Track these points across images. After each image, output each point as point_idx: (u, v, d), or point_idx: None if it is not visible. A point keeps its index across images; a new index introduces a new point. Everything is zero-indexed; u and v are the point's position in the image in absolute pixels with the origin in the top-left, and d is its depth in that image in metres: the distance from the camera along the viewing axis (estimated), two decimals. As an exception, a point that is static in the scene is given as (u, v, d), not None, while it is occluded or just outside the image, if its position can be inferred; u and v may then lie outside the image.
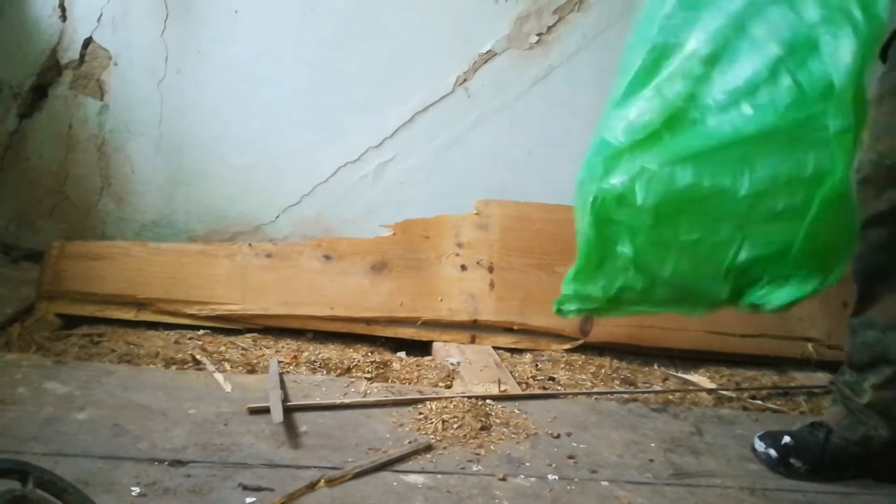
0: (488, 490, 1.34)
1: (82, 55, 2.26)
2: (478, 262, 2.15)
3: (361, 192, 2.37)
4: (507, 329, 2.10)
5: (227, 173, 2.33)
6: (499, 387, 1.76)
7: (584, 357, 2.07)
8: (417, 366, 1.89)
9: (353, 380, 1.77)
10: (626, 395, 1.84)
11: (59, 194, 2.32)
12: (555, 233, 2.18)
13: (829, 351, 2.15)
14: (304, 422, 1.51)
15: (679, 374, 2.04)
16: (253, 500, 1.23)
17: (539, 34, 2.33)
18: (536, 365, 1.99)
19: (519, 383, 1.84)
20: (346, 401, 1.62)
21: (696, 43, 1.00)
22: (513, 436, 1.56)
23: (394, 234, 2.15)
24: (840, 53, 0.94)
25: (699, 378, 2.03)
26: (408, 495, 1.30)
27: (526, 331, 2.10)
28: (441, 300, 2.08)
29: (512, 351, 2.08)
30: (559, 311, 1.17)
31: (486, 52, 2.33)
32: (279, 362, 1.80)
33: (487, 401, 1.69)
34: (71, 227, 2.31)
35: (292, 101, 2.32)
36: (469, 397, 1.67)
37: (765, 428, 1.65)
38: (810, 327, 2.18)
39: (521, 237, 2.18)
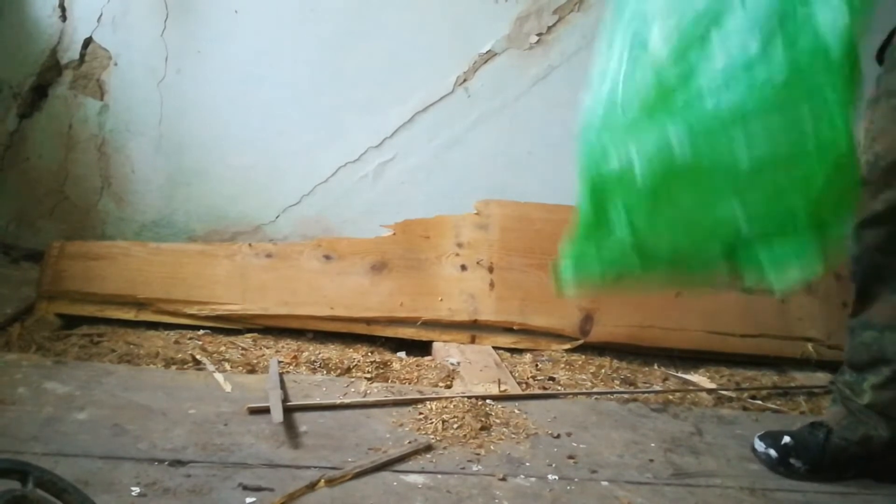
0: (488, 490, 1.34)
1: (82, 55, 2.26)
2: (478, 262, 2.15)
3: (361, 192, 2.37)
4: (507, 329, 2.10)
5: (227, 173, 2.33)
6: (499, 387, 1.76)
7: (584, 357, 2.07)
8: (417, 366, 1.89)
9: (353, 380, 1.77)
10: (626, 395, 1.84)
11: (59, 194, 2.32)
12: (555, 233, 2.14)
13: (829, 351, 2.15)
14: (304, 422, 1.51)
15: (679, 374, 2.04)
16: (253, 500, 1.23)
17: (539, 34, 2.33)
18: (536, 365, 1.99)
19: (519, 383, 1.84)
20: (346, 401, 1.62)
21: (687, 19, 0.99)
22: (513, 436, 1.56)
23: (394, 234, 2.15)
24: (835, 24, 0.93)
25: (699, 378, 2.03)
26: (408, 495, 1.30)
27: (526, 331, 2.10)
28: (441, 300, 2.08)
29: (512, 351, 2.08)
30: (559, 289, 1.16)
31: (486, 52, 2.33)
32: (279, 362, 1.80)
33: (487, 401, 1.69)
34: (71, 227, 2.31)
35: (292, 101, 2.32)
36: (469, 397, 1.67)
37: (765, 428, 1.65)
38: (810, 327, 2.18)
39: (521, 237, 2.18)
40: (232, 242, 2.24)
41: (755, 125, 0.95)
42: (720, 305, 2.17)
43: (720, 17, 0.97)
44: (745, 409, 1.87)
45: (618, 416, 1.73)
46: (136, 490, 1.22)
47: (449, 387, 1.79)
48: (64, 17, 2.24)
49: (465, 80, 2.34)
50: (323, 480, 1.30)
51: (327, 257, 2.09)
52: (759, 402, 1.91)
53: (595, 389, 1.87)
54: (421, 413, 1.60)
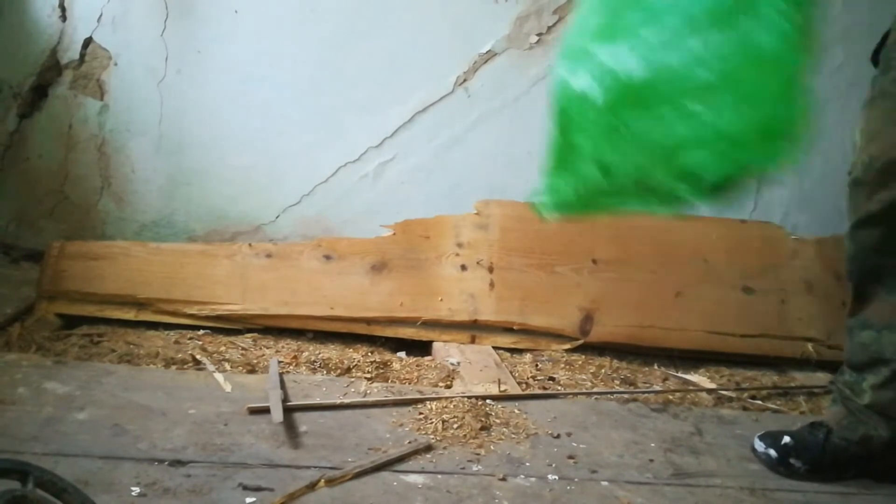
0: (488, 490, 1.34)
1: (82, 55, 2.26)
2: (478, 262, 2.15)
3: (361, 192, 2.37)
4: (507, 329, 2.10)
5: (227, 173, 2.33)
6: (499, 387, 1.76)
7: (584, 357, 2.07)
8: (417, 366, 1.89)
9: (353, 380, 1.77)
10: (626, 395, 1.84)
11: (59, 194, 2.32)
12: (555, 233, 2.18)
13: (829, 351, 2.15)
14: (304, 422, 1.51)
15: (679, 374, 2.04)
16: (253, 500, 1.23)
17: (539, 34, 2.33)
18: (536, 365, 1.99)
19: (519, 383, 1.84)
20: (346, 401, 1.62)
21: None
22: (513, 436, 1.56)
23: (394, 234, 2.15)
24: None
25: (699, 378, 2.03)
26: (408, 495, 1.30)
27: (526, 331, 2.10)
28: (441, 300, 2.08)
29: (512, 351, 2.08)
30: (538, 212, 1.18)
31: (486, 52, 2.33)
32: (279, 362, 1.80)
33: (487, 401, 1.69)
34: (71, 227, 2.31)
35: (292, 101, 2.32)
36: (469, 397, 1.67)
37: (765, 428, 1.65)
38: (810, 327, 2.18)
39: (521, 237, 2.18)
40: (232, 242, 2.24)
41: (702, 40, 0.97)
42: (720, 305, 2.17)
43: None
44: (745, 409, 1.87)
45: (618, 416, 1.73)
46: (136, 490, 1.22)
47: (449, 387, 1.79)
48: (64, 17, 2.24)
49: (465, 80, 2.34)
50: (323, 480, 1.30)
51: (327, 257, 2.09)
52: (759, 402, 1.91)
53: (595, 389, 1.87)
54: (421, 413, 1.60)
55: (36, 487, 0.90)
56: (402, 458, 1.41)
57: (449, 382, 1.82)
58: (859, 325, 1.51)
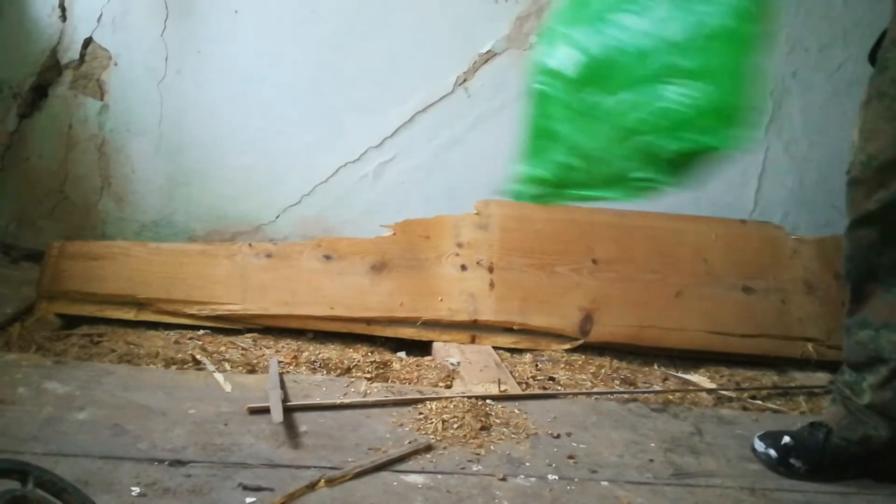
0: (488, 490, 1.34)
1: (82, 55, 2.26)
2: (478, 262, 2.15)
3: (361, 192, 2.37)
4: (507, 329, 2.10)
5: (227, 173, 2.33)
6: (499, 387, 1.76)
7: (584, 357, 2.07)
8: (417, 366, 1.89)
9: (353, 380, 1.77)
10: (626, 395, 1.84)
11: (59, 194, 2.32)
12: (555, 233, 2.18)
13: (829, 351, 2.14)
14: (304, 422, 1.51)
15: (679, 374, 2.04)
16: (253, 500, 1.23)
17: (539, 34, 2.33)
18: (536, 365, 1.99)
19: (519, 383, 1.84)
20: (346, 401, 1.62)
21: None
22: (513, 436, 1.56)
23: (394, 234, 2.15)
24: None
25: (699, 378, 2.03)
26: (408, 495, 1.30)
27: (526, 331, 2.10)
28: (441, 300, 2.08)
29: (512, 351, 2.08)
30: (520, 196, 1.20)
31: (486, 52, 2.33)
32: (279, 362, 1.80)
33: (487, 401, 1.69)
34: (71, 227, 2.31)
35: (292, 101, 2.31)
36: (469, 397, 1.67)
37: (765, 428, 1.65)
38: (810, 327, 2.18)
39: (521, 237, 2.18)
40: (232, 242, 2.24)
41: (659, 23, 0.99)
42: (720, 305, 2.17)
43: None
44: (745, 409, 1.87)
45: (618, 416, 1.73)
46: (136, 490, 1.22)
47: (449, 387, 1.79)
48: (64, 17, 2.24)
49: (465, 80, 2.34)
50: (323, 480, 1.30)
51: (327, 257, 2.09)
52: (759, 402, 1.91)
53: (595, 389, 1.87)
54: (421, 413, 1.60)
55: (36, 487, 0.90)
56: (402, 458, 1.41)
57: (449, 382, 1.82)
58: (857, 324, 1.51)
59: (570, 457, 1.50)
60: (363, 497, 1.28)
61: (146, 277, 1.97)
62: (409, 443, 1.47)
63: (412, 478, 1.36)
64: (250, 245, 2.09)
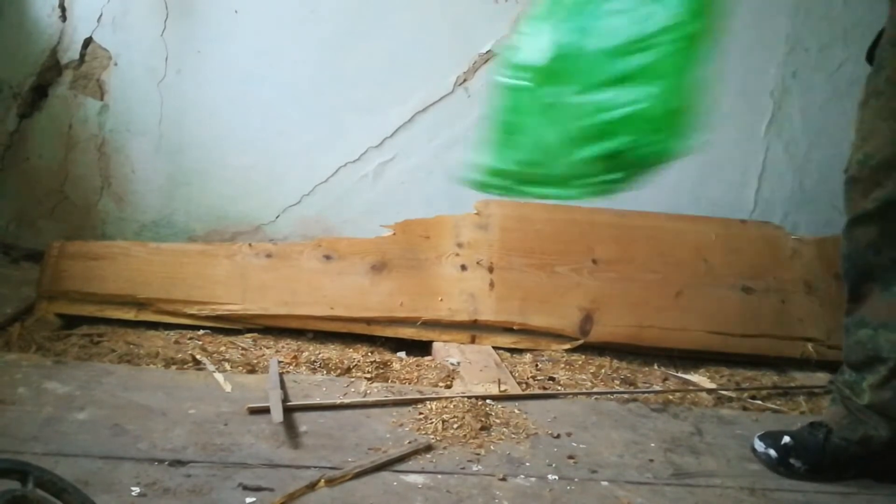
0: (488, 490, 1.34)
1: (82, 55, 2.26)
2: (478, 262, 2.15)
3: (361, 192, 2.37)
4: (507, 329, 2.10)
5: (227, 173, 2.33)
6: (499, 387, 1.76)
7: (584, 357, 2.07)
8: (417, 366, 1.89)
9: (353, 380, 1.77)
10: (626, 395, 1.84)
11: (59, 194, 2.32)
12: (555, 233, 2.18)
13: (829, 351, 2.14)
14: (304, 422, 1.52)
15: (679, 374, 2.04)
16: (253, 500, 1.23)
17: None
18: (536, 365, 1.99)
19: (519, 383, 1.84)
20: (346, 401, 1.62)
21: None
22: (513, 436, 1.56)
23: (394, 234, 2.15)
24: None
25: (699, 378, 2.03)
26: (408, 495, 1.30)
27: (526, 331, 2.10)
28: (441, 300, 2.08)
29: (512, 351, 2.08)
30: (481, 187, 1.20)
31: (486, 52, 2.33)
32: (279, 362, 1.80)
33: (487, 401, 1.69)
34: (71, 227, 2.31)
35: (292, 101, 2.31)
36: (469, 397, 1.67)
37: (765, 428, 1.65)
38: (810, 327, 2.18)
39: (521, 237, 2.18)
40: (232, 242, 2.24)
41: (612, 25, 0.99)
42: (720, 305, 2.17)
43: None
44: (745, 409, 1.87)
45: (618, 416, 1.73)
46: (136, 490, 1.22)
47: (449, 387, 1.79)
48: (64, 17, 2.24)
49: (465, 80, 2.34)
50: (323, 480, 1.30)
51: (327, 257, 2.09)
52: (759, 402, 1.91)
53: (595, 389, 1.87)
54: (421, 413, 1.60)
55: (36, 487, 0.90)
56: (402, 458, 1.41)
57: (449, 382, 1.82)
58: (856, 323, 1.51)
59: (570, 457, 1.50)
60: (363, 497, 1.28)
61: (146, 277, 1.97)
62: (409, 443, 1.47)
63: (412, 478, 1.36)
64: (250, 245, 2.09)
